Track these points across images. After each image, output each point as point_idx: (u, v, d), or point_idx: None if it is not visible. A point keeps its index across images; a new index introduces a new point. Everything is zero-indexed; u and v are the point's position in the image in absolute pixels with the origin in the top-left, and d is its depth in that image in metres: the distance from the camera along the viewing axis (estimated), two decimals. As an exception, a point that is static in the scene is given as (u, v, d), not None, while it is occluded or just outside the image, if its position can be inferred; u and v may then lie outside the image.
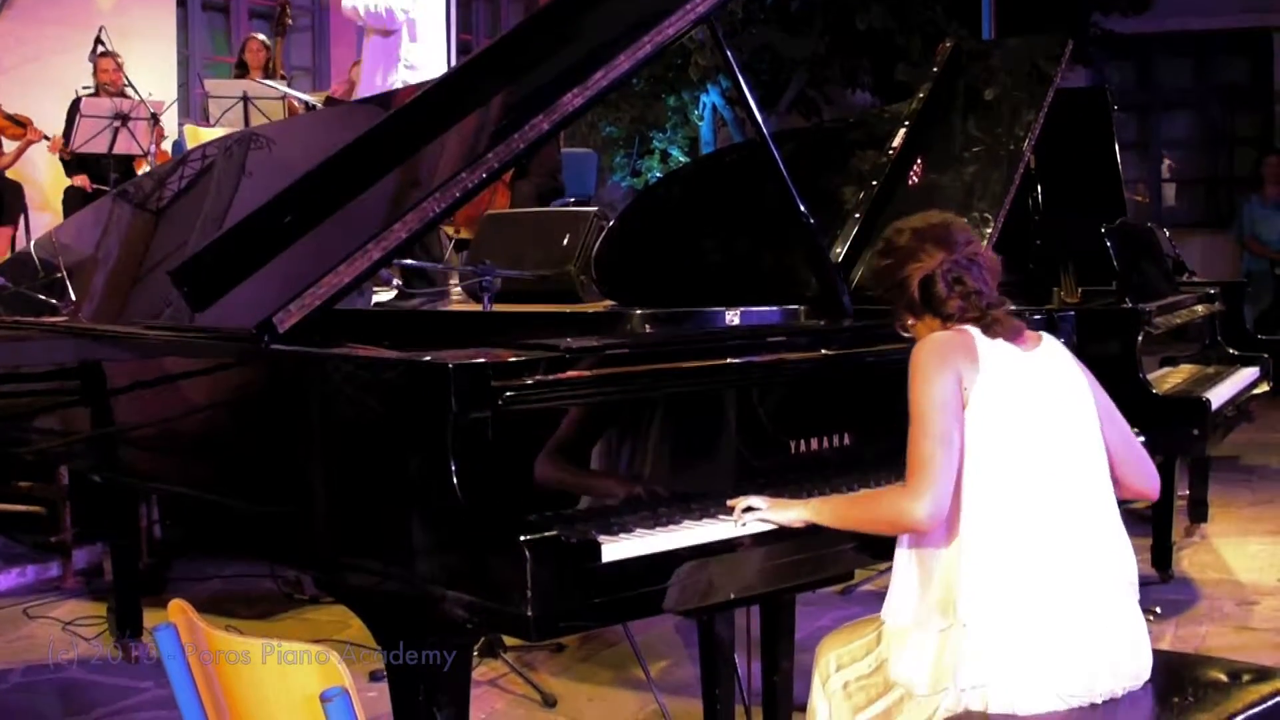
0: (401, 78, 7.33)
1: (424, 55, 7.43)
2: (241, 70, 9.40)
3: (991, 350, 2.49)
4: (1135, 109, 14.84)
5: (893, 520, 2.47)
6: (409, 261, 4.76)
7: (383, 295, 5.72)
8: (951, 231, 2.60)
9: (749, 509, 2.52)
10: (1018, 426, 2.46)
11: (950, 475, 2.43)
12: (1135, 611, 2.53)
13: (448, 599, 2.31)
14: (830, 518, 2.54)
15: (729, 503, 2.54)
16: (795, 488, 2.68)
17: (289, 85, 9.21)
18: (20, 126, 8.64)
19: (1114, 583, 2.50)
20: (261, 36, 9.48)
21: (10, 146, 8.76)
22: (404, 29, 7.38)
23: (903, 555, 2.55)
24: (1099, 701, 2.43)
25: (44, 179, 9.31)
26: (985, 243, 3.51)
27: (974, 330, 2.52)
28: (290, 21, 9.83)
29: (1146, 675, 2.53)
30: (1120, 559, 2.53)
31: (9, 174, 8.72)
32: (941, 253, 2.56)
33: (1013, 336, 2.53)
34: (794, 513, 2.54)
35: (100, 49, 8.62)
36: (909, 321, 2.64)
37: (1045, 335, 2.63)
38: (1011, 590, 2.40)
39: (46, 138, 8.63)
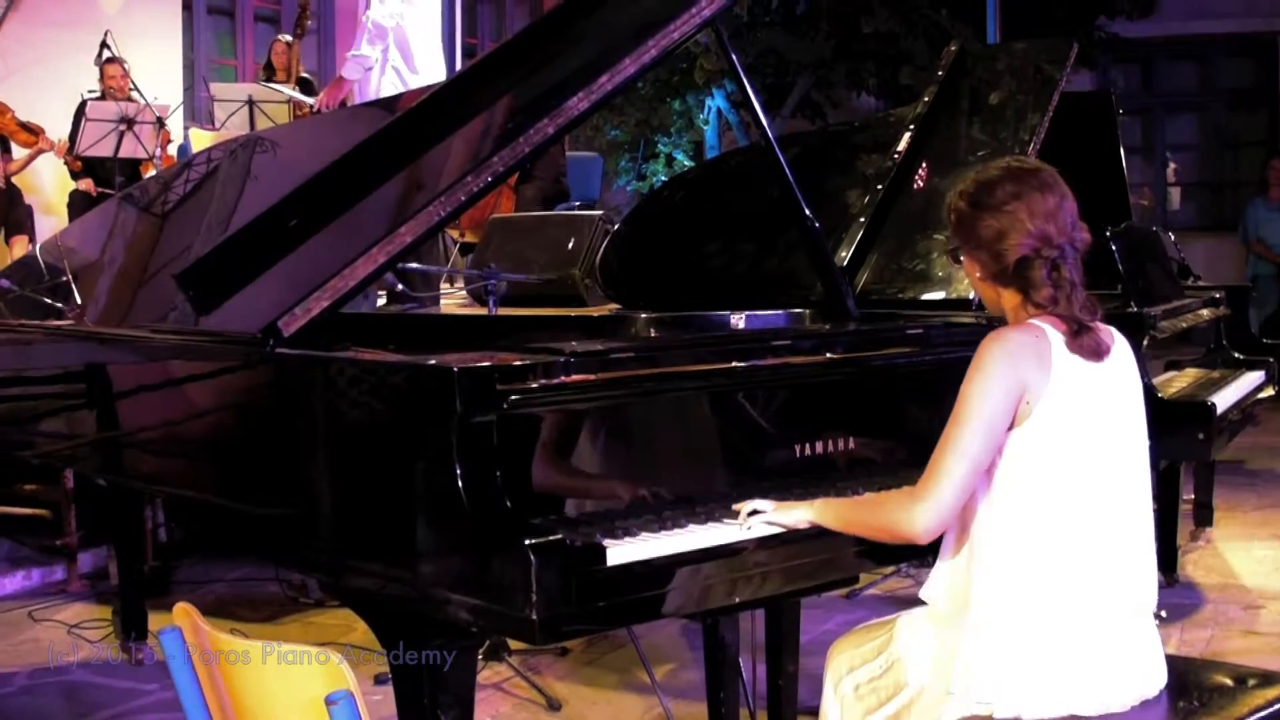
0: (390, 81, 7.34)
1: (420, 62, 7.43)
2: (269, 72, 9.42)
3: (1066, 363, 2.38)
4: (1140, 112, 14.84)
5: (891, 528, 2.41)
6: (413, 265, 4.77)
7: (378, 301, 5.73)
8: (1065, 206, 2.43)
9: (754, 512, 2.51)
10: (1078, 445, 2.39)
11: (962, 496, 2.36)
12: (1153, 630, 2.52)
13: (452, 602, 2.31)
14: (833, 520, 2.50)
15: (734, 506, 2.54)
16: (800, 491, 2.68)
17: (313, 86, 9.23)
18: (32, 134, 8.65)
19: (1137, 603, 2.48)
20: (287, 38, 9.50)
21: (21, 153, 8.77)
22: (391, 35, 7.37)
23: (951, 544, 2.51)
24: (1112, 711, 2.42)
25: (49, 183, 9.32)
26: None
27: (1054, 335, 2.40)
28: (310, 22, 9.85)
29: (1158, 690, 2.51)
30: (1146, 579, 2.50)
31: (18, 183, 8.72)
32: (1050, 228, 2.40)
33: (1091, 352, 2.41)
34: (798, 514, 2.51)
35: (106, 54, 8.64)
36: (977, 275, 2.51)
37: (1117, 336, 2.52)
38: (1040, 602, 2.37)
39: (57, 147, 8.65)
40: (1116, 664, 2.42)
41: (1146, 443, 2.53)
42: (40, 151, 8.72)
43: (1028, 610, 2.38)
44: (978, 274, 2.52)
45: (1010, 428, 2.38)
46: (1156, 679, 2.50)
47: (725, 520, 2.52)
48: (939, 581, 2.53)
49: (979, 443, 2.34)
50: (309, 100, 8.65)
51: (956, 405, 2.37)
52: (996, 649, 2.38)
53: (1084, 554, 2.40)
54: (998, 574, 2.40)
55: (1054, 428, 2.37)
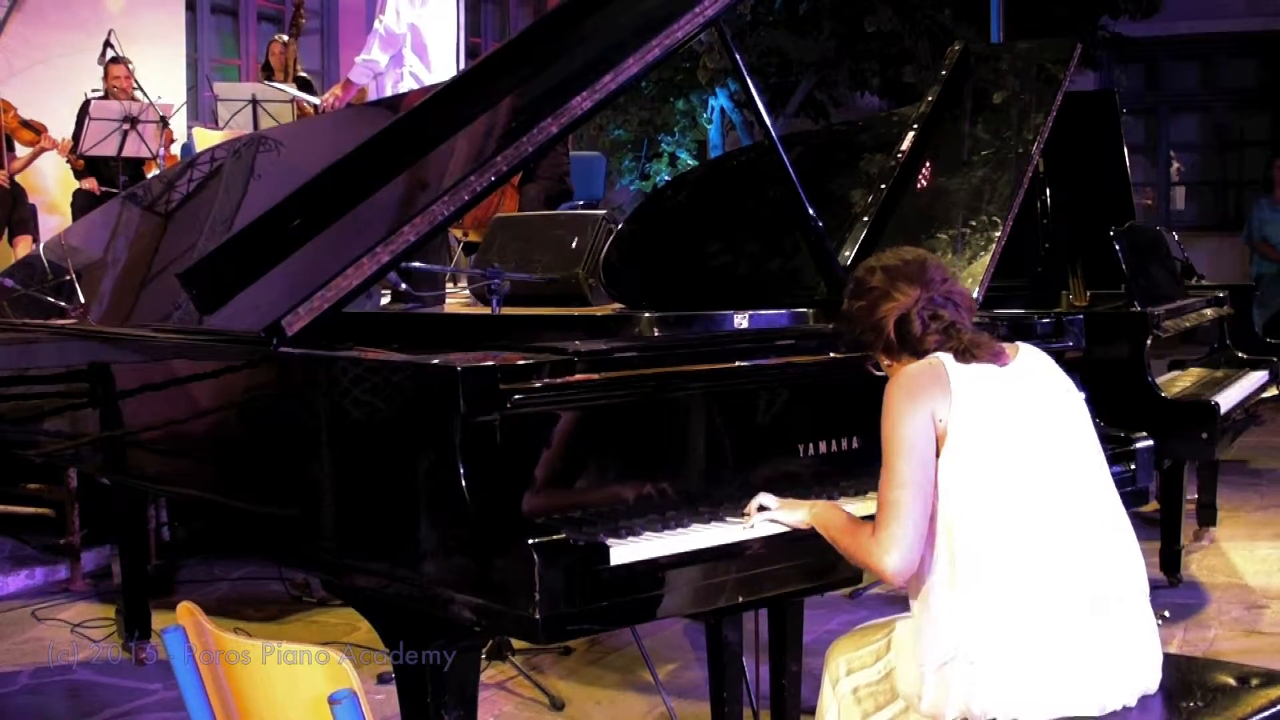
0: (409, 87, 7.33)
1: (434, 62, 7.42)
2: (267, 72, 9.42)
3: (964, 374, 2.44)
4: (1144, 112, 14.84)
5: (865, 563, 2.45)
6: (416, 264, 4.76)
7: (382, 300, 5.73)
8: (927, 268, 2.54)
9: (762, 509, 2.53)
10: (1000, 448, 2.41)
11: (919, 525, 2.39)
12: (1147, 619, 2.50)
13: (455, 601, 2.31)
14: (823, 530, 2.52)
15: (746, 509, 2.55)
16: (804, 491, 2.68)
17: (311, 85, 9.23)
18: (35, 133, 8.65)
19: (1121, 591, 2.46)
20: (284, 38, 9.51)
21: (24, 152, 8.77)
22: (408, 40, 7.37)
23: (911, 591, 2.52)
24: (1113, 708, 2.41)
25: (52, 182, 9.32)
26: (994, 245, 3.48)
27: (945, 356, 2.47)
28: (305, 21, 9.85)
29: (1156, 684, 2.50)
30: (1127, 566, 2.49)
31: (21, 182, 8.72)
32: (916, 289, 2.50)
33: (991, 357, 2.47)
34: (800, 514, 2.54)
35: (110, 54, 8.64)
36: (886, 363, 2.59)
37: (1021, 345, 2.58)
38: (1015, 619, 2.37)
39: (60, 146, 8.65)
40: (1116, 655, 2.40)
41: (1089, 436, 2.54)
42: (42, 150, 8.72)
43: (1012, 627, 2.36)
44: (884, 360, 2.59)
45: (938, 454, 2.42)
46: (1148, 669, 2.49)
47: (728, 520, 2.52)
48: (916, 625, 2.52)
49: (911, 467, 2.40)
50: (312, 99, 8.65)
51: (883, 451, 2.43)
52: (993, 673, 2.37)
53: (1047, 555, 2.39)
54: (978, 598, 2.39)
55: (970, 435, 2.40)
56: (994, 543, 2.38)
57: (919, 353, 2.50)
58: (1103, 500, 2.51)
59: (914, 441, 2.40)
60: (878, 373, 2.61)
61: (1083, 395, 2.61)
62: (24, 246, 8.27)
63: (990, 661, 2.36)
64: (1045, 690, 2.36)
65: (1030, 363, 2.54)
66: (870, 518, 2.48)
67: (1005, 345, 2.54)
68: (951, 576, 2.41)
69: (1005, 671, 2.36)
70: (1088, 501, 2.48)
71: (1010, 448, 2.42)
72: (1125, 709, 2.42)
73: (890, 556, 2.38)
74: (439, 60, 7.46)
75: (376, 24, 7.40)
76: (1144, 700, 2.47)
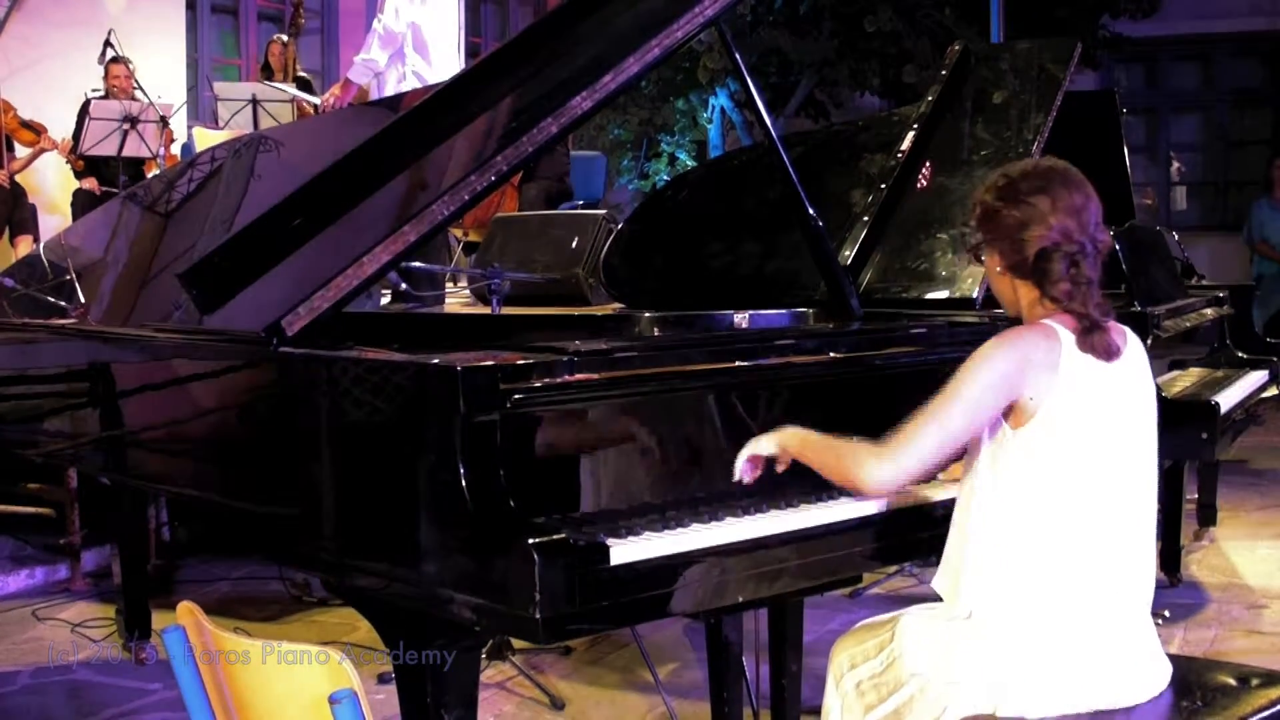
0: (411, 86, 7.32)
1: (435, 60, 7.42)
2: (267, 72, 9.43)
3: (1075, 364, 2.37)
4: (1144, 112, 14.84)
5: (844, 470, 2.43)
6: (417, 264, 4.77)
7: (382, 299, 5.74)
8: (1089, 206, 2.43)
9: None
10: (1085, 445, 2.38)
11: (924, 467, 2.38)
12: (1151, 628, 2.51)
13: (455, 601, 2.31)
14: (797, 448, 2.53)
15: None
16: (804, 491, 2.68)
17: (311, 85, 9.23)
18: (34, 133, 8.65)
19: (1136, 600, 2.47)
20: (283, 38, 9.51)
21: (23, 152, 8.78)
22: (408, 39, 7.36)
23: (955, 541, 2.51)
24: (1117, 708, 2.42)
25: (52, 182, 9.32)
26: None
27: (1066, 335, 2.39)
28: (303, 22, 9.86)
29: (1162, 688, 2.51)
30: (1147, 577, 2.50)
31: (21, 182, 8.73)
32: (1072, 224, 2.41)
33: (1103, 351, 2.40)
34: (769, 441, 2.56)
35: (110, 53, 8.64)
36: (998, 268, 2.50)
37: (1130, 338, 2.51)
38: (1043, 600, 2.37)
39: (60, 145, 8.65)
40: (1119, 662, 2.42)
41: (1155, 444, 2.52)
42: (42, 151, 8.72)
43: (1031, 609, 2.38)
44: (997, 267, 2.51)
45: (1016, 426, 2.38)
46: (1161, 675, 2.51)
47: (728, 519, 2.52)
48: (946, 577, 2.52)
49: (959, 420, 2.36)
50: (312, 99, 8.65)
51: (951, 381, 2.38)
52: (1001, 648, 2.38)
53: (1088, 553, 2.40)
54: (1000, 573, 2.40)
55: (1060, 427, 2.37)
56: (1050, 528, 2.38)
57: (1044, 290, 2.42)
58: (1151, 508, 2.51)
59: (981, 400, 2.35)
60: (978, 262, 2.56)
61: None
62: (25, 246, 8.28)
63: (1014, 635, 2.37)
64: (1058, 682, 2.37)
65: (1133, 363, 2.48)
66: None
67: (1117, 332, 2.46)
68: (1003, 543, 2.40)
69: (1025, 651, 2.37)
70: (1144, 509, 2.49)
71: (1094, 450, 2.40)
72: (1125, 709, 2.43)
73: (882, 469, 2.36)
74: (441, 58, 7.46)
75: (375, 23, 7.40)
76: (1146, 700, 2.47)
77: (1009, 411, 2.40)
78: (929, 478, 2.58)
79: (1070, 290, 2.40)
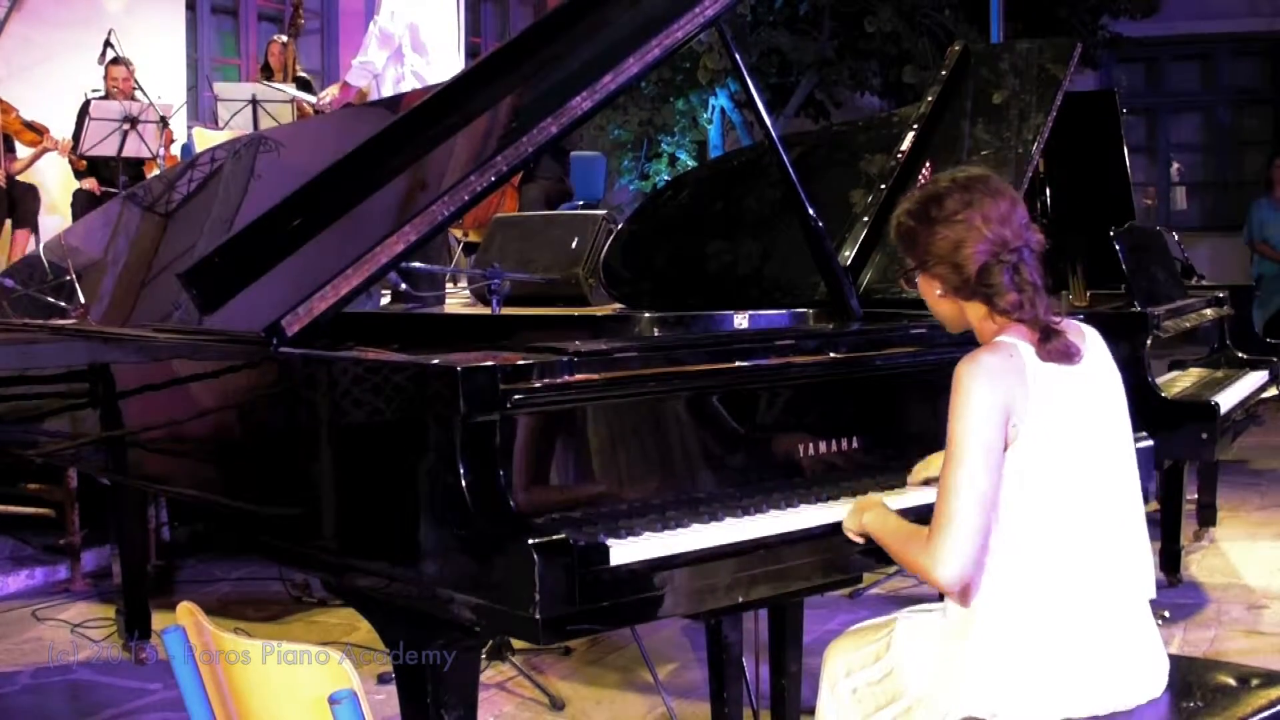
0: (410, 86, 7.33)
1: (436, 59, 7.42)
2: (267, 72, 9.43)
3: (1042, 376, 2.34)
4: (1144, 112, 14.84)
5: (922, 575, 2.36)
6: (417, 265, 4.77)
7: (382, 300, 5.74)
8: (1016, 210, 2.38)
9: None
10: (1066, 454, 2.37)
11: (981, 535, 2.29)
12: (1151, 625, 2.51)
13: (455, 602, 2.31)
14: (876, 535, 2.48)
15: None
16: (804, 491, 2.68)
17: (311, 85, 9.23)
18: (37, 134, 8.66)
19: (1134, 598, 2.46)
20: (283, 38, 9.51)
21: (25, 152, 8.78)
22: (406, 39, 7.36)
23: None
24: (1121, 710, 2.41)
25: (53, 182, 9.32)
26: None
27: (1026, 348, 2.35)
28: (303, 22, 9.86)
29: (1162, 689, 2.50)
30: (1142, 573, 2.48)
31: (25, 179, 8.73)
32: (1006, 232, 2.35)
33: (1062, 355, 2.36)
34: (855, 518, 2.51)
35: (111, 54, 8.64)
36: (938, 292, 2.45)
37: (1088, 332, 2.48)
38: (1041, 608, 2.36)
39: (60, 145, 8.65)
40: (1119, 663, 2.42)
41: (1130, 434, 2.51)
42: (44, 151, 8.73)
43: (1030, 618, 2.37)
44: (937, 291, 2.45)
45: (1004, 450, 2.35)
46: (1160, 675, 2.50)
47: (728, 519, 2.52)
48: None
49: (985, 478, 2.29)
50: (312, 99, 8.65)
51: (951, 443, 2.31)
52: (1000, 657, 2.37)
53: (1082, 558, 2.39)
54: (999, 585, 2.39)
55: (1041, 443, 2.35)
56: (1038, 541, 2.37)
57: (991, 302, 2.37)
58: (1133, 507, 2.49)
59: (990, 448, 2.29)
60: (911, 287, 2.49)
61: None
62: (21, 240, 8.30)
63: (1031, 668, 2.36)
64: (1072, 692, 2.36)
65: (1096, 360, 2.45)
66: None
67: (1073, 331, 2.43)
68: (1005, 566, 2.38)
69: (1025, 664, 2.36)
70: (1129, 504, 2.47)
71: (1075, 456, 2.38)
72: (1125, 711, 2.43)
73: (947, 569, 2.28)
74: (440, 58, 7.46)
75: (372, 25, 7.41)
76: (1147, 702, 2.47)
77: None
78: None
79: (1018, 299, 2.35)
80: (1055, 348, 2.36)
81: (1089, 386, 2.42)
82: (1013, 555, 2.38)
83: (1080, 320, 2.52)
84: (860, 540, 2.52)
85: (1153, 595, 2.51)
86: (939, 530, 2.29)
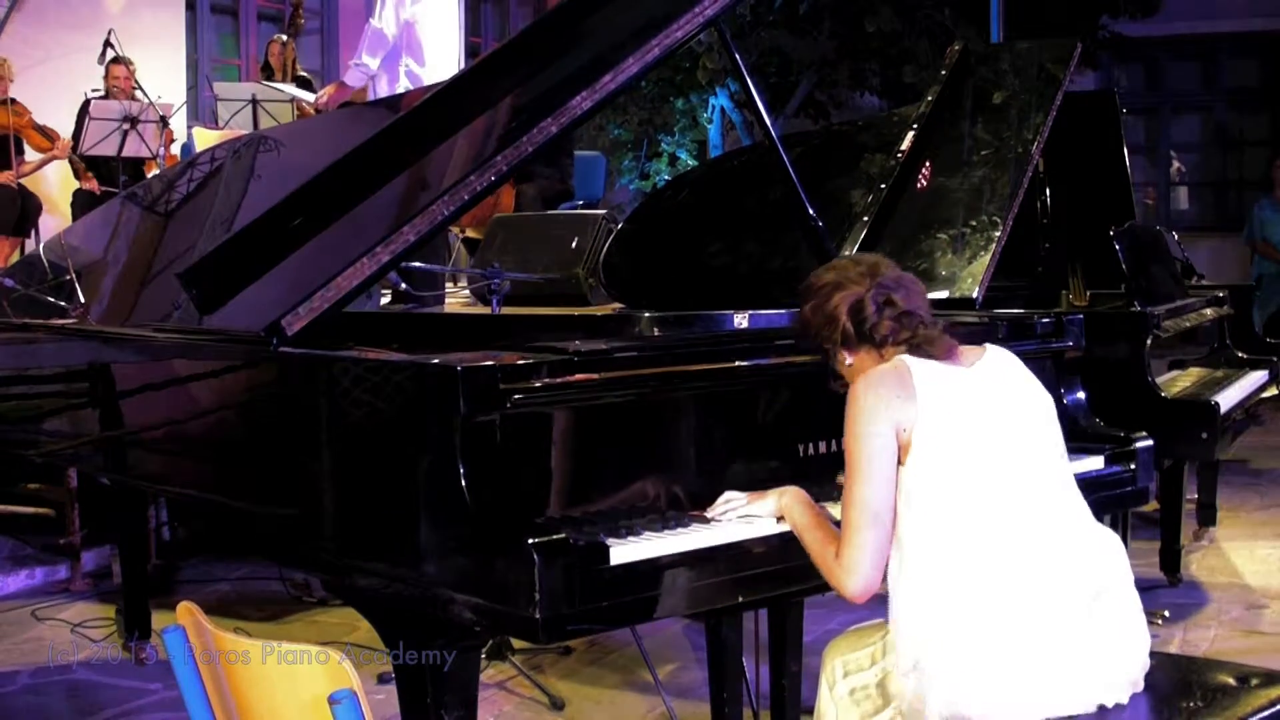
0: (404, 85, 7.32)
1: (432, 59, 7.41)
2: (267, 72, 9.42)
3: (928, 378, 2.42)
4: (1144, 112, 14.84)
5: (826, 577, 2.45)
6: (417, 264, 4.77)
7: (382, 299, 5.74)
8: (878, 264, 2.55)
9: (730, 509, 2.55)
10: (963, 455, 2.40)
11: (880, 551, 2.38)
12: (1120, 617, 2.47)
13: (455, 601, 2.31)
14: (794, 525, 2.52)
15: (708, 513, 2.56)
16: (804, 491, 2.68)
17: (311, 84, 9.22)
18: (47, 139, 8.66)
19: (1084, 591, 2.43)
20: (282, 37, 9.51)
21: (34, 156, 8.77)
22: (401, 39, 7.35)
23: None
24: (1092, 710, 2.40)
25: (52, 182, 9.32)
26: (994, 245, 3.48)
27: (908, 359, 2.45)
28: (303, 22, 9.85)
29: (1140, 682, 2.48)
30: (1090, 564, 2.46)
31: (27, 185, 8.73)
32: (866, 280, 2.50)
33: (946, 355, 2.47)
34: (768, 504, 2.55)
35: (111, 54, 8.64)
36: (847, 362, 2.55)
37: (989, 346, 2.57)
38: (979, 628, 2.35)
39: (60, 145, 8.65)
40: (1082, 655, 2.38)
41: (1052, 438, 2.53)
42: (53, 158, 8.73)
43: (972, 634, 2.35)
44: (846, 360, 2.55)
45: (902, 463, 2.40)
46: (1130, 664, 2.47)
47: (727, 519, 2.52)
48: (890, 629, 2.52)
49: (872, 491, 2.38)
50: (312, 99, 8.65)
51: (846, 458, 2.41)
52: (955, 682, 2.36)
53: (1010, 560, 2.38)
54: (916, 581, 2.39)
55: (934, 442, 2.38)
56: (956, 552, 2.38)
57: (877, 342, 2.49)
58: (1066, 503, 2.50)
59: (875, 462, 2.38)
60: (839, 385, 2.57)
61: (1050, 397, 2.58)
62: (8, 247, 8.31)
63: (952, 670, 2.36)
64: (1020, 692, 2.35)
65: (995, 365, 2.52)
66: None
67: (968, 348, 2.53)
68: (913, 584, 2.41)
69: (973, 679, 2.35)
70: (1049, 504, 2.46)
71: (972, 454, 2.40)
72: (1119, 706, 2.41)
73: (850, 579, 2.38)
74: (438, 58, 7.45)
75: (368, 26, 7.41)
76: (1141, 700, 2.46)
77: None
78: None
79: (895, 327, 2.48)
80: (930, 352, 2.47)
81: (984, 388, 2.47)
82: (933, 562, 2.39)
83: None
84: (776, 520, 2.55)
85: (1119, 587, 2.50)
86: (843, 545, 2.40)
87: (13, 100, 8.52)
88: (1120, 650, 2.46)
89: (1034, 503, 2.44)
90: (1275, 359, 6.24)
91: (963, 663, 2.36)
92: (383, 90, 7.38)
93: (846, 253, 2.63)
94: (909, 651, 2.42)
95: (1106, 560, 2.50)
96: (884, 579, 2.45)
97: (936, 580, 2.39)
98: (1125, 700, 2.43)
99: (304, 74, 9.62)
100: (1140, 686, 2.48)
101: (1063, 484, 2.52)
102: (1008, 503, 2.41)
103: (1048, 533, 2.44)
